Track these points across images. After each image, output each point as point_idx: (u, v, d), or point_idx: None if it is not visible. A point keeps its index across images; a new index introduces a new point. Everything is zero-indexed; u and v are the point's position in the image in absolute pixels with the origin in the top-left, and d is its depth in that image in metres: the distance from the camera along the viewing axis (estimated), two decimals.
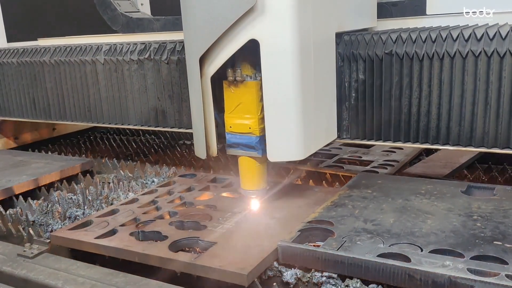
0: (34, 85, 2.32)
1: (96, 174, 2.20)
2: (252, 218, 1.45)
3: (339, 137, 1.61)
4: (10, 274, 1.32)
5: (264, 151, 1.42)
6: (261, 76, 1.33)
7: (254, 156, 1.45)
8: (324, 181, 1.84)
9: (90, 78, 2.10)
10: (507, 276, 1.00)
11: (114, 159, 2.35)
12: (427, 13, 1.69)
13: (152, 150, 2.58)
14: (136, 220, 1.48)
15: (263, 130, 1.39)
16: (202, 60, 1.37)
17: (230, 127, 1.45)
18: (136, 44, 1.98)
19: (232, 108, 1.43)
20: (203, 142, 1.45)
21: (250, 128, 1.41)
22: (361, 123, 1.55)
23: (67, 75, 2.17)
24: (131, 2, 2.72)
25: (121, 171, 2.20)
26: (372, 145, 2.15)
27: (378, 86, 1.48)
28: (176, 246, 1.30)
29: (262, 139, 1.41)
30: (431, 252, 1.13)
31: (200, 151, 1.49)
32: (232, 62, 1.37)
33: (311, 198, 1.57)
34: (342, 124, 1.58)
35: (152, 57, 1.91)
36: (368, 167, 1.92)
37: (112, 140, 2.81)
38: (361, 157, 2.07)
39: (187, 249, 1.32)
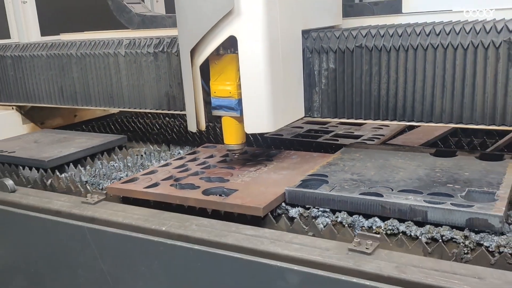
0: (62, 75, 2.63)
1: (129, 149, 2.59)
2: (265, 174, 1.84)
3: (310, 116, 1.96)
4: (79, 215, 1.72)
5: (241, 112, 1.76)
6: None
7: (234, 116, 1.80)
8: (322, 150, 2.23)
9: (112, 68, 2.44)
10: (451, 203, 1.40)
11: (143, 137, 2.75)
12: (403, 11, 2.09)
13: (175, 130, 2.97)
14: (173, 177, 1.88)
15: (240, 94, 1.74)
16: (192, 52, 1.75)
17: (215, 92, 1.80)
18: (152, 39, 2.32)
19: (216, 77, 1.79)
20: (194, 119, 1.83)
21: (230, 92, 1.76)
22: (332, 104, 1.91)
23: (92, 66, 2.50)
24: (143, 5, 3.09)
25: (150, 145, 2.60)
26: (361, 124, 2.52)
27: (349, 73, 1.85)
28: (207, 192, 1.69)
29: (240, 101, 1.75)
30: (399, 191, 1.53)
31: (191, 126, 1.86)
32: None
33: (311, 161, 1.95)
34: (313, 106, 1.95)
35: (165, 50, 2.25)
36: (358, 140, 2.31)
37: (132, 123, 3.19)
38: (353, 132, 2.45)
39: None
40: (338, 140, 2.33)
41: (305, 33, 1.92)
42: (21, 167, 2.25)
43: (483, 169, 1.67)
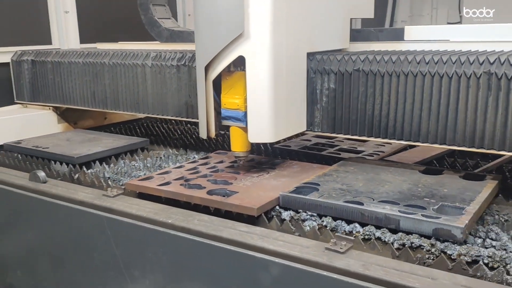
0: (95, 81, 2.90)
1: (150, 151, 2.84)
2: (265, 180, 2.05)
3: (311, 130, 2.15)
4: (99, 205, 1.96)
5: (247, 123, 1.96)
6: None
7: (241, 126, 2.01)
8: (324, 162, 2.42)
9: (140, 77, 2.69)
10: (421, 214, 1.57)
11: (164, 141, 2.99)
12: (405, 39, 2.27)
13: (193, 136, 3.20)
14: (184, 177, 2.10)
15: (246, 107, 1.94)
16: (207, 68, 1.97)
17: (225, 104, 2.02)
18: (176, 52, 2.57)
19: (227, 91, 2.01)
20: (205, 127, 2.05)
21: (238, 105, 1.98)
22: (331, 120, 2.09)
23: (122, 74, 2.76)
24: (172, 21, 3.34)
25: (169, 149, 2.84)
26: (364, 140, 2.69)
27: (347, 93, 2.03)
28: (211, 193, 1.91)
29: (246, 114, 1.95)
30: (379, 202, 1.71)
31: (202, 133, 2.08)
32: None
33: (310, 171, 2.15)
34: (314, 121, 2.13)
35: (186, 64, 2.50)
36: (359, 155, 2.48)
37: (156, 128, 3.44)
38: (356, 148, 2.63)
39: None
40: (340, 154, 2.51)
41: (310, 55, 2.13)
42: (53, 162, 2.52)
43: (462, 187, 1.84)
